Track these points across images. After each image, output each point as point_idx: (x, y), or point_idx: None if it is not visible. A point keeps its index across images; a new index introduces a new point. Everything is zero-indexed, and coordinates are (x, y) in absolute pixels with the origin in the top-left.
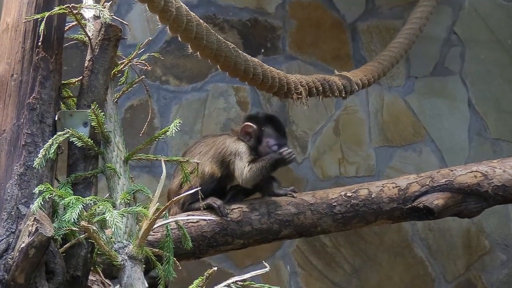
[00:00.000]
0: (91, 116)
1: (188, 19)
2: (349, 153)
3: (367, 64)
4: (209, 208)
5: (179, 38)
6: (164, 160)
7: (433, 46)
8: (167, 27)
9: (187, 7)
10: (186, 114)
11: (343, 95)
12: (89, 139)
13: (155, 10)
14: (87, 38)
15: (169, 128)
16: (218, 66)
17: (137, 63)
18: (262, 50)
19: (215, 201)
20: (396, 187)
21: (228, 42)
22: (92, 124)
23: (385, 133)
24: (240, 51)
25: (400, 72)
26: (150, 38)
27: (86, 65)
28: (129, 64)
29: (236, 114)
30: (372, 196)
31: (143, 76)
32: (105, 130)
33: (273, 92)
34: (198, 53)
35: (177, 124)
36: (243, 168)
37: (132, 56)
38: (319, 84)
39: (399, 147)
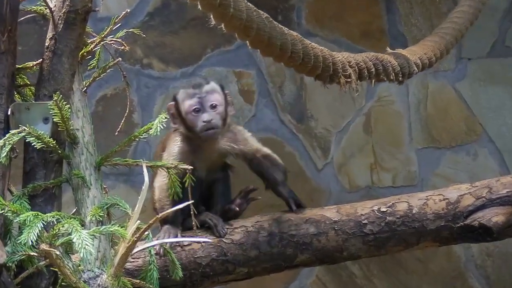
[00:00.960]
0: (53, 109)
1: None
2: (384, 156)
3: (426, 39)
4: (204, 227)
5: (199, 6)
6: (146, 166)
7: (490, 19)
8: None
9: None
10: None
11: (400, 78)
12: (51, 139)
13: None
14: (48, 11)
15: (152, 124)
16: (247, 41)
17: (112, 41)
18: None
19: (211, 218)
20: (444, 200)
21: (259, 10)
22: (54, 120)
23: (430, 130)
24: (276, 22)
25: (449, 53)
26: (128, 10)
27: (47, 44)
28: (102, 43)
29: (238, 107)
30: (413, 212)
31: (119, 59)
32: (71, 127)
33: (316, 74)
34: (222, 25)
35: (163, 120)
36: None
37: (106, 33)
38: (371, 65)
39: (448, 149)
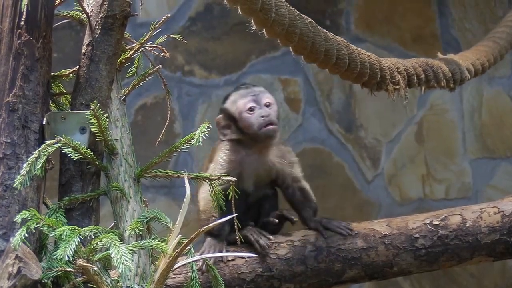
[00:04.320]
0: (90, 119)
1: None
2: (437, 167)
3: (478, 44)
4: (248, 242)
5: (239, 10)
6: (188, 178)
7: None
8: None
9: None
10: (217, 116)
11: (451, 85)
12: (88, 150)
13: None
14: (84, 15)
15: (194, 134)
16: (290, 47)
17: (152, 48)
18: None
19: (253, 232)
20: (499, 212)
21: (302, 15)
22: (92, 129)
23: (484, 140)
24: (320, 27)
25: (505, 59)
26: (169, 15)
27: (83, 51)
28: (141, 49)
29: (284, 115)
30: (467, 225)
31: (160, 66)
32: (109, 137)
33: (363, 81)
34: (264, 30)
35: (205, 130)
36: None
37: (145, 38)
38: (421, 71)
39: (503, 159)
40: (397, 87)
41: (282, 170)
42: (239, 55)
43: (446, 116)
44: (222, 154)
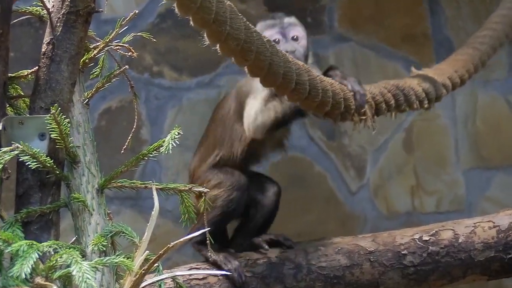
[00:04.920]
0: (50, 124)
1: None
2: (427, 178)
3: (457, 52)
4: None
5: (191, 21)
6: (157, 189)
7: None
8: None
9: None
10: (188, 121)
11: (425, 105)
12: (48, 158)
13: None
14: (45, 11)
15: (163, 141)
16: (246, 68)
17: (118, 47)
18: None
19: (229, 259)
20: (494, 227)
21: (259, 32)
22: (52, 136)
23: (479, 149)
24: (279, 49)
25: (501, 61)
26: (137, 11)
27: (43, 50)
28: (106, 48)
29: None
30: (460, 241)
31: (126, 67)
32: (71, 144)
33: (325, 112)
34: (218, 46)
35: (175, 136)
36: (255, 108)
37: (111, 37)
38: (390, 97)
39: (499, 170)
40: (364, 117)
41: None
42: (213, 54)
43: (437, 122)
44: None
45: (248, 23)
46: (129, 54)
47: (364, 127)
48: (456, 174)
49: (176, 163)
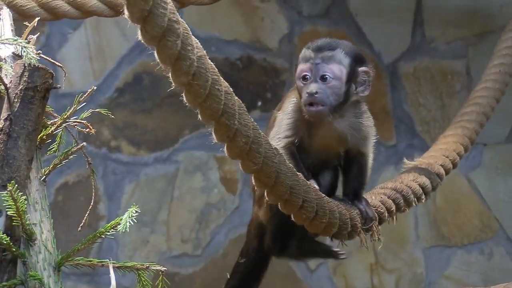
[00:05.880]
0: (7, 201)
1: (189, 48)
2: (386, 256)
3: (445, 133)
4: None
5: (199, 113)
6: (114, 267)
7: (509, 98)
8: (156, 52)
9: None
10: (146, 197)
11: (423, 200)
12: (4, 235)
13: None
14: (2, 87)
15: (120, 220)
16: (253, 176)
17: (75, 123)
18: (259, 103)
19: None
20: None
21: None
22: (8, 213)
23: (438, 226)
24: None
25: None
26: (95, 87)
27: (1, 126)
28: (64, 125)
29: (219, 197)
30: None
31: (84, 144)
32: (28, 222)
33: (332, 233)
34: (225, 147)
35: (133, 214)
36: None
37: (68, 113)
38: (391, 203)
39: (459, 248)
40: (371, 232)
41: (353, 145)
42: (171, 130)
43: None
44: (289, 109)
45: (255, 123)
46: (87, 131)
47: (371, 241)
48: (415, 252)
49: (134, 239)
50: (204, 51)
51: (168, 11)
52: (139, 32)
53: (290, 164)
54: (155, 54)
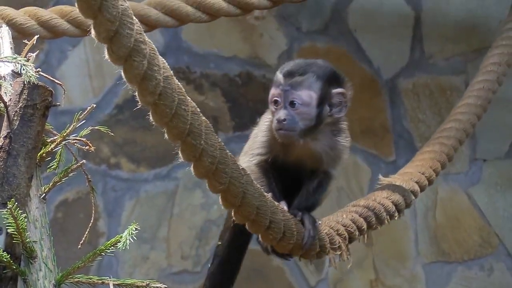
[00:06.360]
0: (7, 219)
1: (155, 68)
2: (387, 271)
3: (423, 149)
4: None
5: (166, 133)
6: (114, 284)
7: (508, 113)
8: (122, 72)
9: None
10: (145, 213)
11: (396, 217)
12: (5, 253)
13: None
14: (2, 105)
15: (120, 237)
16: (220, 197)
17: (75, 140)
18: (259, 120)
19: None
20: None
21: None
22: (9, 230)
23: (439, 242)
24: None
25: (461, 153)
26: (94, 105)
27: (0, 144)
28: (63, 142)
29: (219, 214)
30: None
31: (83, 161)
32: (28, 239)
33: (300, 254)
34: (192, 164)
35: (133, 232)
36: None
37: (68, 131)
38: (362, 222)
39: (460, 263)
40: (339, 252)
41: (326, 164)
42: (170, 146)
43: None
44: (266, 122)
45: (222, 143)
46: (87, 148)
47: (340, 260)
48: (416, 268)
49: (134, 256)
50: (171, 72)
51: (135, 32)
52: (105, 51)
53: (258, 185)
54: (122, 74)
